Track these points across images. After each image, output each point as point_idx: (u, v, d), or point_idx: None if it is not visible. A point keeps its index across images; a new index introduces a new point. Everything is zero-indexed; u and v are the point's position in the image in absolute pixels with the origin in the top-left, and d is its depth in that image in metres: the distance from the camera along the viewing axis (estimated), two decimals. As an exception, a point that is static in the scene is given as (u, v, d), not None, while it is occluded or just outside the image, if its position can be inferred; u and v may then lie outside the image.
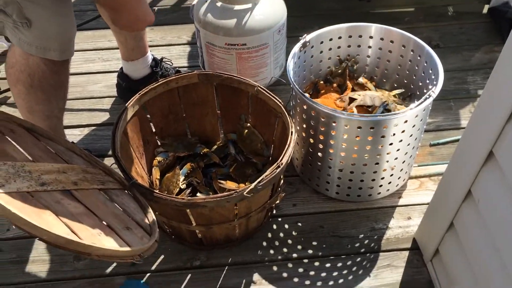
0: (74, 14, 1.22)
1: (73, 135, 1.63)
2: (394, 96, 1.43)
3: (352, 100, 1.39)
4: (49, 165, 0.97)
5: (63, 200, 0.89)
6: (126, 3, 1.21)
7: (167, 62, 1.78)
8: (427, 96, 1.21)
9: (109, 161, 1.49)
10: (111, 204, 1.02)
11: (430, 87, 1.27)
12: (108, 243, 0.86)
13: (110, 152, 1.42)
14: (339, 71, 1.52)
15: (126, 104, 1.29)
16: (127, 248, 0.88)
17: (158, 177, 1.39)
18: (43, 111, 1.26)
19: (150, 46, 1.93)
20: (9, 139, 1.02)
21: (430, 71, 1.34)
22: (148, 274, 1.28)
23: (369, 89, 1.48)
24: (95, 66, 1.89)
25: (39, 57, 1.16)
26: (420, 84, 1.41)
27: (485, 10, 2.07)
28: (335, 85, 1.51)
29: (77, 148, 1.16)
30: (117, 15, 1.25)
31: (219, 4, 1.56)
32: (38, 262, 1.31)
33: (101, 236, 0.87)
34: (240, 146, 1.44)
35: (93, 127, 1.66)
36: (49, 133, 1.13)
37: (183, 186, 1.35)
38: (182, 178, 1.35)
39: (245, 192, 1.09)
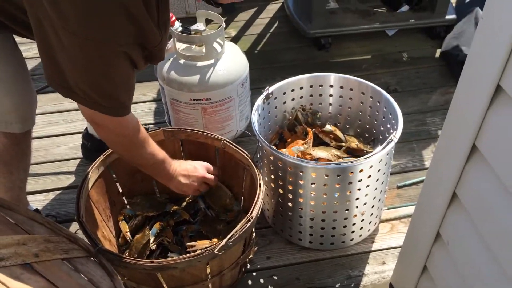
0: (31, 82, 1.21)
1: (37, 201, 1.57)
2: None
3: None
4: (8, 238, 0.93)
5: (22, 275, 0.84)
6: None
7: (133, 120, 1.77)
8: (389, 141, 1.24)
9: (75, 226, 1.44)
10: (75, 274, 0.97)
11: (391, 131, 1.30)
12: (72, 318, 0.81)
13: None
14: (291, 121, 1.55)
15: (90, 167, 1.27)
16: (93, 322, 0.84)
17: (127, 230, 1.34)
18: (4, 183, 1.23)
19: (115, 105, 1.94)
20: (-35, 212, 0.97)
21: (390, 116, 1.38)
22: None
23: (338, 136, 1.50)
24: (59, 128, 1.86)
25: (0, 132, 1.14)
26: (382, 128, 1.45)
27: (437, 54, 2.18)
28: (299, 133, 1.53)
29: (39, 216, 1.11)
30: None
31: (182, 61, 1.59)
32: None
33: (64, 311, 0.82)
34: (209, 202, 1.42)
35: (58, 191, 1.62)
36: (8, 203, 1.08)
37: (154, 247, 1.31)
38: (152, 238, 1.31)
39: (216, 250, 1.07)
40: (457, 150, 0.87)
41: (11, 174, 1.23)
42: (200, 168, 1.29)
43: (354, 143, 1.47)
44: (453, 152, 0.89)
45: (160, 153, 1.18)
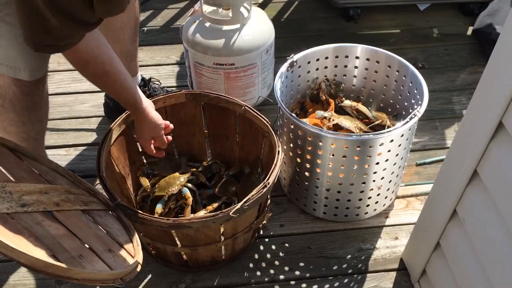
0: None
1: (59, 155, 1.61)
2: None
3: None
4: (31, 186, 0.96)
5: (44, 221, 0.88)
6: None
7: (155, 82, 1.78)
8: (412, 116, 1.22)
9: (94, 182, 1.48)
10: (94, 225, 1.00)
11: (415, 106, 1.28)
12: (89, 266, 0.84)
13: (95, 173, 1.41)
14: (315, 91, 1.53)
15: (113, 124, 1.29)
16: (109, 271, 0.86)
17: (149, 184, 1.37)
18: (17, 133, 1.23)
19: (139, 66, 1.94)
20: (-10, 159, 1.00)
21: (415, 91, 1.35)
22: (132, 298, 1.25)
23: (361, 111, 1.48)
24: (83, 85, 1.88)
25: (10, 77, 1.13)
26: (406, 104, 1.43)
27: (469, 32, 2.11)
28: (323, 103, 1.52)
29: (61, 168, 1.14)
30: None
31: (207, 24, 1.58)
32: (20, 286, 1.27)
33: (82, 259, 0.85)
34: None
35: (79, 147, 1.65)
36: (33, 153, 1.11)
37: (172, 206, 1.33)
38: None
39: (231, 212, 1.08)
40: (483, 126, 0.86)
41: (23, 125, 1.23)
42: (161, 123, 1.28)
43: (384, 120, 1.43)
44: (479, 128, 0.87)
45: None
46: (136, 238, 1.06)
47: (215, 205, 1.32)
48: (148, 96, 1.67)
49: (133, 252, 1.00)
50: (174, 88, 1.87)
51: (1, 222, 0.79)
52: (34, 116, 1.25)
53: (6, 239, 0.72)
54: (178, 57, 2.02)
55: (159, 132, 1.28)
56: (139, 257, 0.99)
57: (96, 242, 0.94)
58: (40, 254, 0.77)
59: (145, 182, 1.36)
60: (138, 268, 0.97)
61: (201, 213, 1.30)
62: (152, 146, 1.30)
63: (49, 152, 1.50)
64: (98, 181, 1.16)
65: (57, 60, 1.96)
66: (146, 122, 1.24)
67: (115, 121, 1.30)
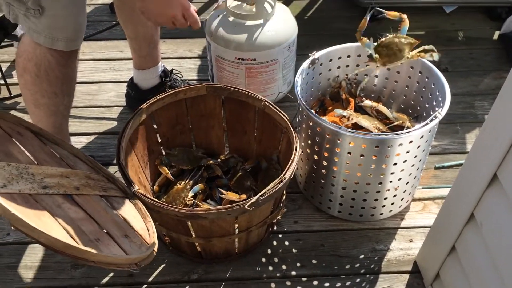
0: (85, 6, 1.22)
1: (80, 143, 1.64)
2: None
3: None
4: (53, 169, 0.98)
5: (64, 204, 0.90)
6: None
7: (177, 74, 1.79)
8: (433, 118, 1.21)
9: (113, 170, 1.50)
10: (111, 211, 1.02)
11: (436, 109, 1.26)
12: (106, 249, 0.86)
13: (114, 161, 1.44)
14: (335, 90, 1.52)
15: (134, 113, 1.31)
16: (125, 256, 0.88)
17: (168, 171, 1.38)
18: (49, 105, 1.26)
19: (162, 58, 1.96)
20: (15, 141, 1.03)
21: (437, 93, 1.34)
22: (145, 286, 1.27)
23: (381, 111, 1.47)
24: (106, 75, 1.92)
25: (46, 47, 1.17)
26: (427, 106, 1.41)
27: (495, 37, 2.08)
28: (344, 102, 1.51)
29: (82, 154, 1.17)
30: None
31: (231, 19, 1.59)
32: (36, 268, 1.30)
33: (99, 242, 0.87)
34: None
35: (100, 136, 1.68)
36: (55, 137, 1.14)
37: (190, 202, 1.35)
38: (191, 194, 1.34)
39: (246, 205, 1.09)
40: (505, 130, 0.84)
41: (56, 96, 1.26)
42: None
43: (405, 122, 1.42)
44: (501, 132, 0.86)
45: None
46: (152, 226, 1.07)
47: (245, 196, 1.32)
48: (169, 87, 1.69)
49: (148, 239, 1.02)
50: (195, 81, 1.88)
51: (23, 202, 0.82)
52: (66, 88, 1.29)
53: (27, 218, 0.74)
54: (200, 51, 2.03)
55: (174, 14, 1.11)
56: (154, 244, 1.01)
57: (113, 227, 0.96)
58: (59, 234, 0.79)
59: (165, 170, 1.38)
60: (153, 255, 0.98)
61: (235, 196, 1.30)
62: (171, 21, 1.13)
63: (71, 139, 1.53)
64: (117, 169, 1.18)
65: (81, 50, 2.00)
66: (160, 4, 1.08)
67: (136, 111, 1.31)
